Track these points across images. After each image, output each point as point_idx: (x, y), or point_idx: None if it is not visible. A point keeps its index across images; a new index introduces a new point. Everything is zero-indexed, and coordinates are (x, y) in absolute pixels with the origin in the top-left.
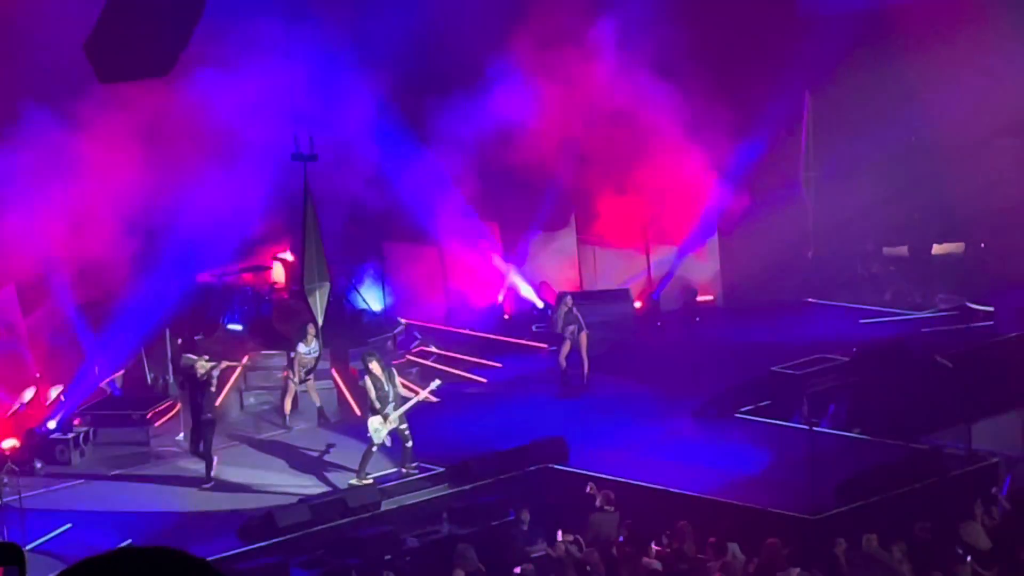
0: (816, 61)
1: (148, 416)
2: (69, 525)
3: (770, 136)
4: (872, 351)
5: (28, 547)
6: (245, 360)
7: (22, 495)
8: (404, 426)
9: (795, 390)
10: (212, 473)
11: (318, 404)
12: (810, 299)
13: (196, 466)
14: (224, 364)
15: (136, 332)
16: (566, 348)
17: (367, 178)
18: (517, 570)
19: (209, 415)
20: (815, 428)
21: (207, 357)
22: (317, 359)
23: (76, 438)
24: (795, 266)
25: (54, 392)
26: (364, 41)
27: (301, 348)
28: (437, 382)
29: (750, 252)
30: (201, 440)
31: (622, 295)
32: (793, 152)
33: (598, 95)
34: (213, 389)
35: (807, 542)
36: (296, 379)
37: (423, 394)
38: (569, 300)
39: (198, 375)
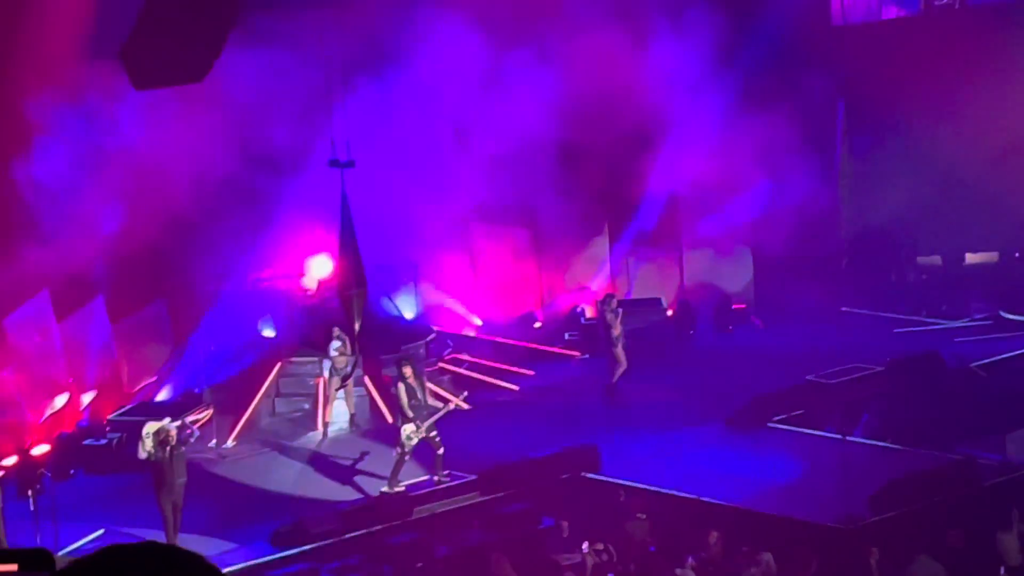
0: (850, 69)
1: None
2: (102, 531)
3: (804, 145)
4: (906, 361)
5: (61, 552)
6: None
7: (55, 500)
8: (434, 434)
9: (828, 399)
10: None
11: (351, 412)
12: (844, 308)
13: (228, 472)
14: (189, 419)
15: (170, 338)
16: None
17: (402, 184)
18: None
19: (181, 479)
20: (848, 438)
21: (168, 419)
22: (354, 365)
23: (109, 444)
24: (829, 275)
25: (86, 398)
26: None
27: (332, 350)
28: (464, 394)
29: (784, 260)
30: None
31: (654, 304)
32: (827, 161)
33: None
34: (182, 449)
35: (840, 552)
36: (333, 386)
37: (453, 403)
38: (615, 302)
39: (167, 441)
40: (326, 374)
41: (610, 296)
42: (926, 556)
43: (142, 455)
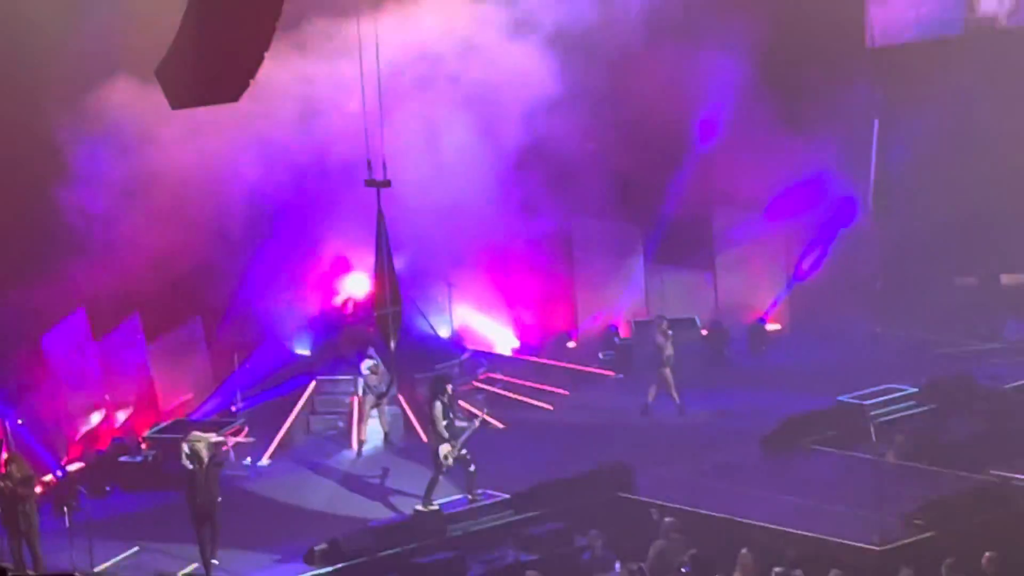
0: (886, 90)
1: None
2: (137, 549)
3: (839, 165)
4: (940, 382)
5: (96, 569)
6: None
7: (90, 518)
8: (465, 452)
9: (862, 420)
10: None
11: (385, 430)
12: (878, 328)
13: (263, 490)
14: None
15: (206, 356)
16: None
17: (438, 205)
18: None
19: (216, 499)
20: (882, 458)
21: (213, 436)
22: (389, 384)
23: (144, 461)
24: (863, 296)
25: (122, 416)
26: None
27: (364, 368)
28: (486, 411)
29: (818, 281)
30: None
31: (688, 323)
32: (862, 180)
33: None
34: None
35: (873, 572)
36: (367, 404)
37: (480, 418)
38: (666, 323)
39: (203, 456)
40: (360, 392)
41: (661, 317)
42: None
43: (184, 461)
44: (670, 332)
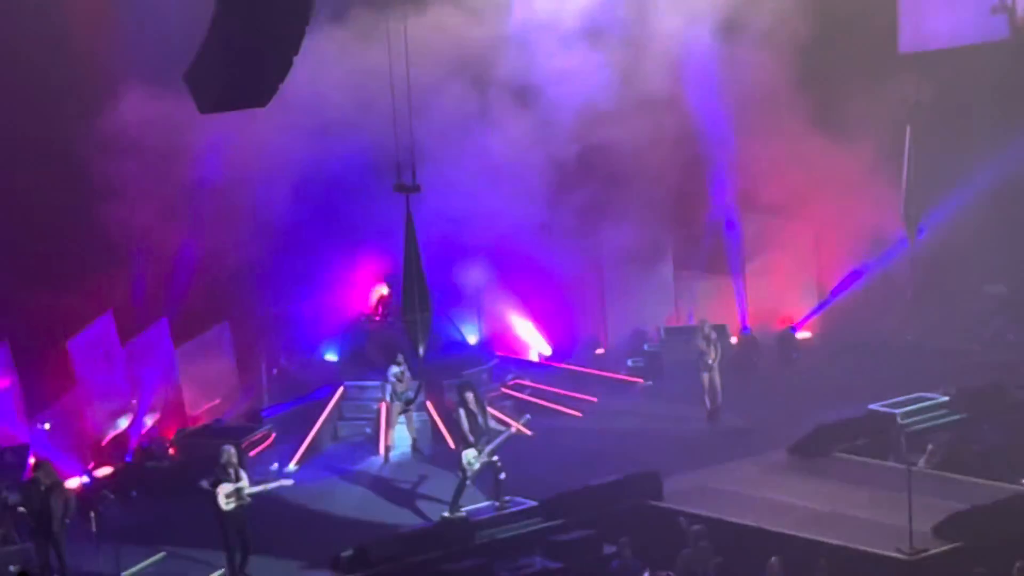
0: (918, 96)
1: (242, 446)
2: (164, 554)
3: (871, 171)
4: (971, 390)
5: (123, 574)
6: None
7: (116, 523)
8: (496, 459)
9: (893, 429)
10: None
11: (413, 436)
12: (909, 337)
13: (290, 496)
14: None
15: (233, 361)
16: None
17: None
18: None
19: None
20: (913, 467)
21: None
22: (417, 391)
23: (171, 466)
24: (895, 304)
25: (149, 420)
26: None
27: (391, 375)
28: (527, 417)
29: (849, 289)
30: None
31: (718, 330)
32: (894, 187)
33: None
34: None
35: None
36: (395, 411)
37: (515, 428)
38: (708, 326)
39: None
40: (388, 398)
41: (703, 321)
42: None
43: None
44: (713, 336)
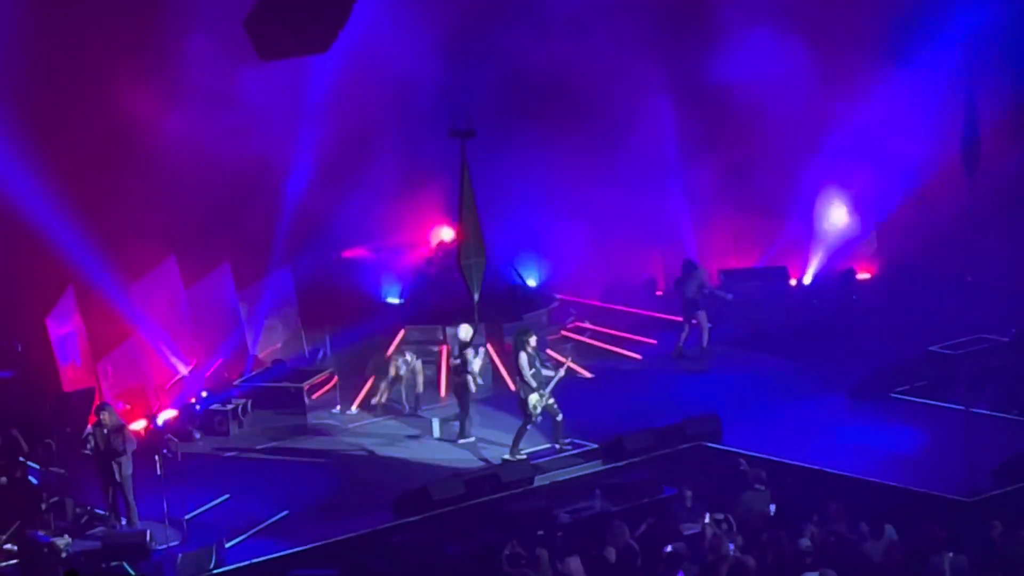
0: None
1: (305, 388)
2: (227, 496)
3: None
4: None
5: (187, 516)
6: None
7: (182, 465)
8: (552, 401)
9: (952, 371)
10: None
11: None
12: (969, 278)
13: (351, 439)
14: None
15: (295, 305)
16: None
17: (523, 153)
18: (668, 548)
19: None
20: (972, 410)
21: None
22: (474, 334)
23: (235, 410)
24: (954, 245)
25: (213, 364)
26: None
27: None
28: (569, 346)
29: (909, 230)
30: None
31: (778, 272)
32: (952, 126)
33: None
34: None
35: (962, 525)
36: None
37: (566, 364)
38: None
39: None
40: (448, 340)
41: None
42: None
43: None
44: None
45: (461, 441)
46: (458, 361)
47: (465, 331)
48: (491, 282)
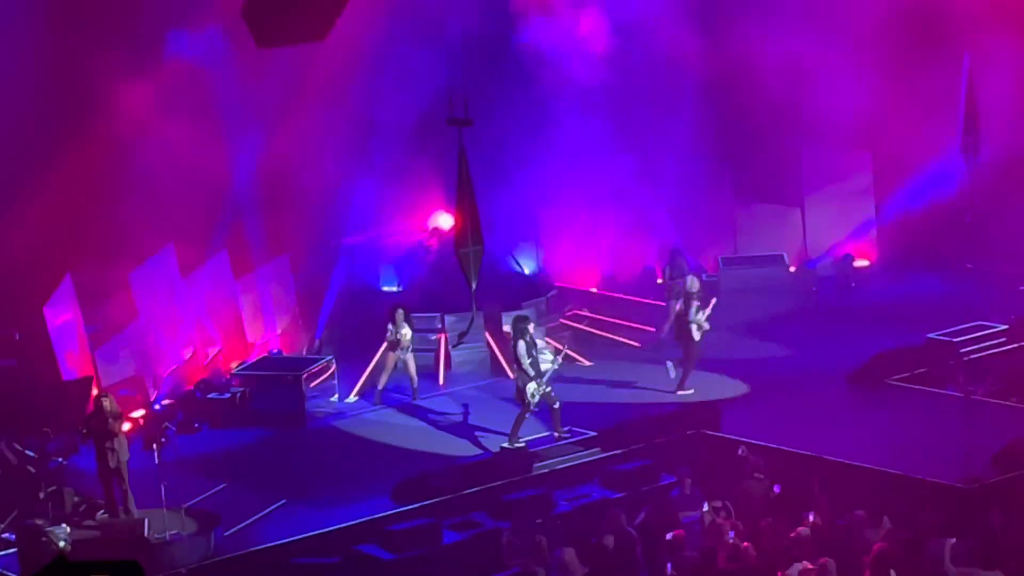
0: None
1: (303, 377)
2: (224, 485)
3: (927, 100)
4: None
5: (185, 505)
6: None
7: (179, 454)
8: (549, 389)
9: (952, 357)
10: None
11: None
12: (968, 264)
13: (350, 427)
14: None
15: (294, 293)
16: None
17: (525, 141)
18: (669, 536)
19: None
20: (971, 396)
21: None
22: (470, 323)
23: (233, 398)
24: (953, 231)
25: (211, 352)
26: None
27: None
28: (568, 333)
29: (908, 217)
30: None
31: (777, 259)
32: (951, 115)
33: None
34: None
35: (962, 512)
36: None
37: (563, 352)
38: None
39: None
40: (446, 329)
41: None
42: None
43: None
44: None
45: (680, 393)
46: (680, 309)
47: (691, 282)
48: (490, 270)
